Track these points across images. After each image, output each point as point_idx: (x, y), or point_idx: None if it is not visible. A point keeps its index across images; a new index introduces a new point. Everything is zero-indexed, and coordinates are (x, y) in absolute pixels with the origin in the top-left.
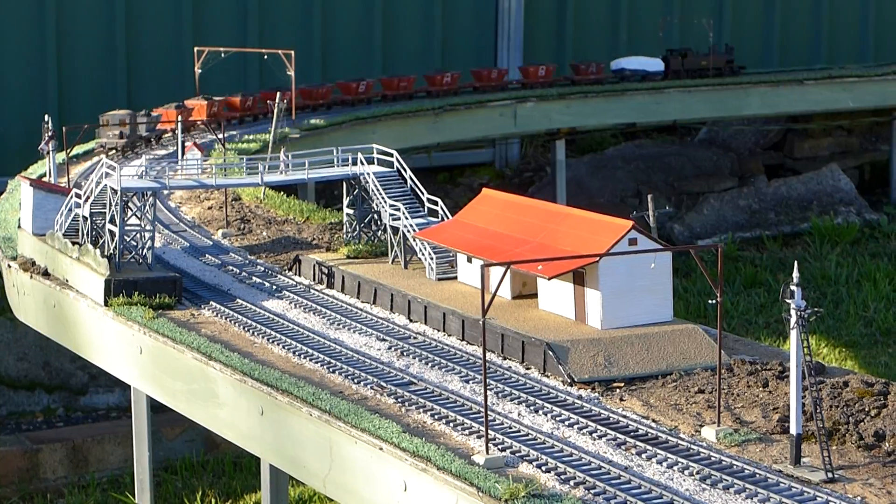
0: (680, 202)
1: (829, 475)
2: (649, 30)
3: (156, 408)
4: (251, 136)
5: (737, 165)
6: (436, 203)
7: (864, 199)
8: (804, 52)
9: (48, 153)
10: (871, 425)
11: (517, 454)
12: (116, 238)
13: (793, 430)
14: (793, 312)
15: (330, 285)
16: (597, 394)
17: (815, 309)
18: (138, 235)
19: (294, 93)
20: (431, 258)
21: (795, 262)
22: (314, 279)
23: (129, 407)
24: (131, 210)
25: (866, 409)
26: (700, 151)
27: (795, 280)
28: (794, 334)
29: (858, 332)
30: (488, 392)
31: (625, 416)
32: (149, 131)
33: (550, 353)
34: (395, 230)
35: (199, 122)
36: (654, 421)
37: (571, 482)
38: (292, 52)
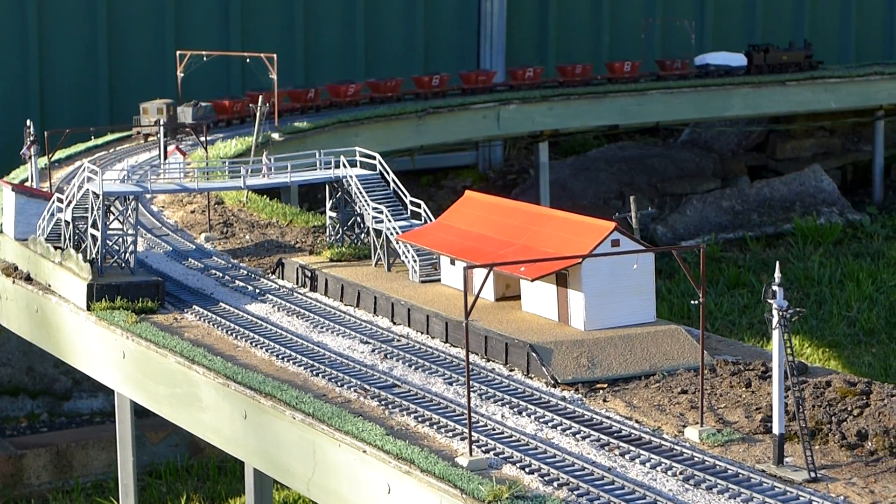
0: (663, 203)
1: (812, 475)
2: (631, 32)
3: (140, 412)
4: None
5: (719, 167)
6: (419, 205)
7: (846, 200)
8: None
9: (30, 158)
10: (853, 425)
11: (501, 456)
12: (99, 242)
13: (775, 430)
14: (775, 313)
15: (313, 288)
16: (580, 395)
17: (798, 309)
18: (120, 240)
19: (361, 86)
20: (414, 261)
21: (777, 263)
22: (297, 282)
23: (114, 411)
24: (113, 214)
25: (849, 409)
26: (683, 153)
27: (777, 280)
28: (776, 334)
29: (842, 332)
30: (472, 394)
31: (608, 417)
32: (195, 120)
33: (534, 354)
34: (378, 233)
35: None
36: (637, 422)
37: (555, 483)
38: (275, 56)
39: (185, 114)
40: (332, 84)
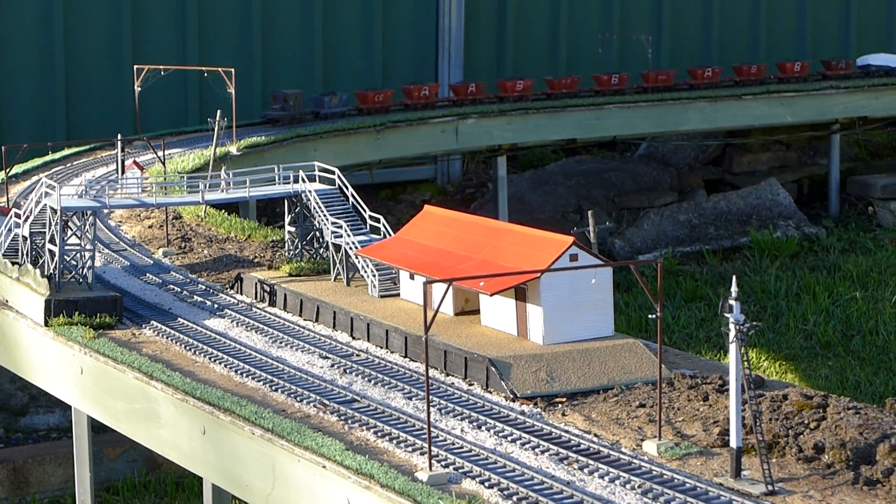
0: (620, 217)
1: (770, 488)
2: (588, 46)
3: (97, 428)
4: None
5: (676, 180)
6: (378, 220)
7: (802, 213)
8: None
9: None
10: (810, 438)
11: (460, 470)
12: (56, 258)
13: (733, 444)
14: (731, 326)
15: (272, 303)
16: (539, 409)
17: (754, 323)
18: (78, 255)
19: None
20: (374, 275)
21: (734, 277)
22: (256, 297)
23: (70, 427)
24: (71, 229)
25: (805, 422)
26: (640, 167)
27: (734, 294)
28: (733, 348)
29: (798, 345)
30: (431, 408)
31: (567, 431)
32: (330, 109)
33: (493, 369)
34: (338, 247)
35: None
36: (595, 435)
37: (514, 497)
38: (232, 70)
39: (323, 103)
40: (503, 80)
